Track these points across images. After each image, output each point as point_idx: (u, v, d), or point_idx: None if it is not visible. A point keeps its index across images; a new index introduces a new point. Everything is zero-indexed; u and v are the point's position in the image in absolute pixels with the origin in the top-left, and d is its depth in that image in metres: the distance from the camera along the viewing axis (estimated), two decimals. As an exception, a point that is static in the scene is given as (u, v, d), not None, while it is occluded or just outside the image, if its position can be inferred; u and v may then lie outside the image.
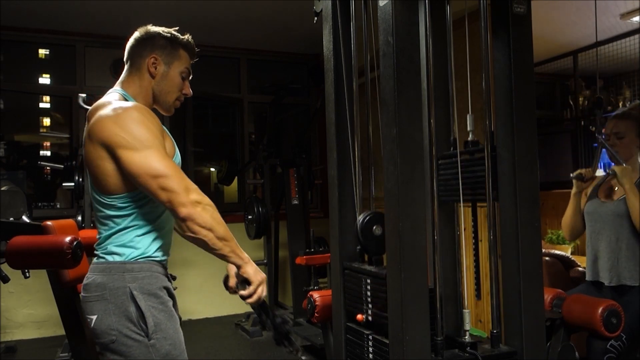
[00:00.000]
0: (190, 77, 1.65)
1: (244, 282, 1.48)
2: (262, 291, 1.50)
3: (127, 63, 1.59)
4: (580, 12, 4.03)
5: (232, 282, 1.60)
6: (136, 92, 1.55)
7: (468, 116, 1.55)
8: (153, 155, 1.39)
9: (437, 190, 1.43)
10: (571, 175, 2.59)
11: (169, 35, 1.58)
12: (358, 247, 1.65)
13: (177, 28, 1.62)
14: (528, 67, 1.48)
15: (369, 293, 1.52)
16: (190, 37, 1.63)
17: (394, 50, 1.30)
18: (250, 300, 1.50)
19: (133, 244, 1.47)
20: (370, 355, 1.52)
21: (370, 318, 1.52)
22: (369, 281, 1.52)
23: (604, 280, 2.38)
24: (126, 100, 1.51)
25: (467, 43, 1.83)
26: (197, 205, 1.38)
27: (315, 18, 1.84)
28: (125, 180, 1.43)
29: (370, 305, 1.52)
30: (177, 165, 1.45)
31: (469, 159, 1.54)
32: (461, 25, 1.69)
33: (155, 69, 1.55)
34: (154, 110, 1.58)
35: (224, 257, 1.46)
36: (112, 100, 1.47)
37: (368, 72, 1.70)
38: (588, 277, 2.48)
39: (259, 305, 1.53)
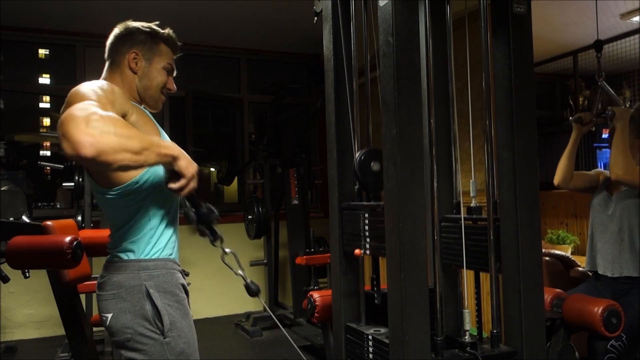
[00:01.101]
0: (175, 73, 1.63)
1: (175, 174, 1.37)
2: (194, 185, 1.39)
3: (107, 61, 1.56)
4: (580, 12, 4.03)
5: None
6: (118, 85, 1.51)
7: (471, 182, 1.56)
8: (74, 106, 1.20)
9: (440, 254, 1.43)
10: (570, 118, 2.59)
11: (148, 29, 1.56)
12: (356, 187, 1.65)
13: (157, 22, 1.59)
14: (528, 67, 1.48)
15: (367, 227, 1.52)
16: (171, 31, 1.60)
17: (394, 50, 1.30)
18: (181, 193, 1.39)
19: (145, 240, 1.47)
20: (370, 355, 1.52)
21: (368, 251, 1.52)
22: (367, 215, 1.53)
23: (606, 272, 2.40)
24: None
25: (467, 43, 1.83)
26: (94, 134, 1.13)
27: (315, 18, 1.84)
28: None
29: (368, 240, 1.52)
30: (92, 105, 1.23)
31: (472, 226, 1.55)
32: (461, 25, 1.69)
33: (137, 64, 1.53)
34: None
35: (155, 164, 1.34)
36: None
37: (368, 72, 1.70)
38: (587, 267, 2.53)
39: (187, 198, 1.47)
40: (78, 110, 1.18)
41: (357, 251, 1.57)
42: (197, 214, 1.49)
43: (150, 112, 1.61)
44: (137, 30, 1.55)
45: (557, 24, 4.37)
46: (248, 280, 1.57)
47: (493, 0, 1.51)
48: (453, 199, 1.70)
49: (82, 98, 1.29)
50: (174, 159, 1.33)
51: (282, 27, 4.78)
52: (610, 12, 4.08)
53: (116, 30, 1.56)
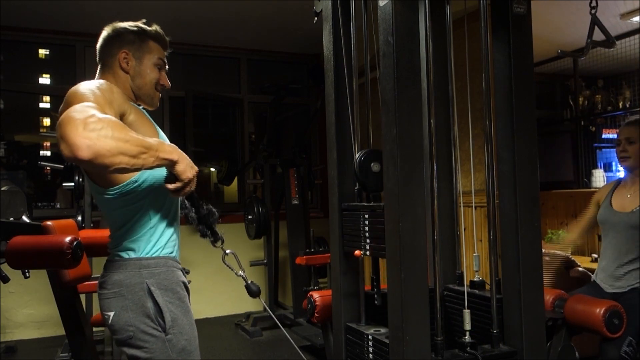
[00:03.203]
0: (167, 68, 1.63)
1: (173, 176, 1.38)
2: (191, 187, 1.42)
3: (99, 64, 1.57)
4: (580, 12, 4.03)
5: None
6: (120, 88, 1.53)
7: (474, 255, 1.57)
8: (72, 108, 1.21)
9: (441, 326, 1.40)
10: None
11: (136, 28, 1.56)
12: (356, 188, 1.65)
13: (144, 20, 1.60)
14: (528, 67, 1.48)
15: (367, 228, 1.52)
16: (158, 27, 1.61)
17: (394, 50, 1.30)
18: (177, 194, 1.41)
19: (145, 239, 1.47)
20: (370, 355, 1.52)
21: (368, 252, 1.52)
22: (367, 216, 1.53)
23: (605, 288, 2.40)
24: None
25: (467, 43, 1.84)
26: (91, 137, 1.15)
27: (315, 18, 1.84)
28: None
29: (368, 241, 1.52)
30: (90, 106, 1.24)
31: (475, 301, 1.56)
32: (461, 25, 1.69)
33: (128, 64, 1.54)
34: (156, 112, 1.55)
35: (154, 168, 1.35)
36: None
37: (368, 72, 1.70)
38: (593, 277, 2.54)
39: (186, 199, 1.48)
40: (76, 112, 1.19)
41: (357, 252, 1.57)
42: (198, 215, 1.50)
43: (149, 111, 1.62)
44: (125, 30, 1.55)
45: (557, 24, 4.37)
46: (249, 281, 1.57)
47: (493, 1, 1.51)
48: (453, 199, 1.70)
49: (80, 99, 1.30)
50: (172, 162, 1.34)
51: (282, 27, 4.77)
52: (610, 12, 4.08)
53: (104, 33, 1.56)
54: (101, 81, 1.46)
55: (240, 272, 1.56)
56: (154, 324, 1.43)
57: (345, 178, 1.70)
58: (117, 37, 1.55)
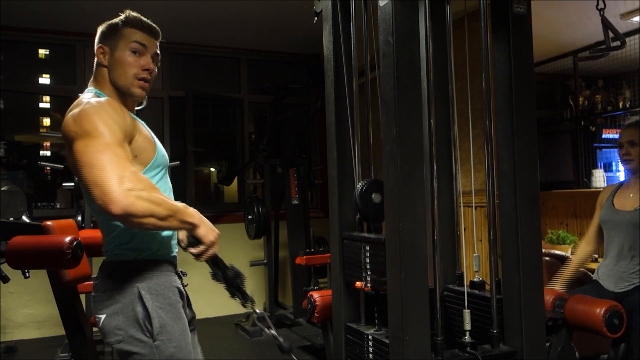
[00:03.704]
0: (151, 51, 1.53)
1: (195, 240, 1.44)
2: (213, 250, 1.45)
3: None
4: (580, 12, 4.03)
5: (182, 235, 1.56)
6: (106, 87, 1.51)
7: (474, 256, 1.57)
8: (95, 144, 1.29)
9: (441, 326, 1.40)
10: None
11: (110, 22, 1.53)
12: (357, 217, 1.65)
13: (126, 10, 1.55)
14: (528, 67, 1.48)
15: (367, 260, 1.52)
16: (131, 12, 1.54)
17: (394, 50, 1.30)
18: (200, 258, 1.46)
19: (137, 243, 1.46)
20: (370, 355, 1.52)
21: (369, 284, 1.52)
22: (367, 248, 1.52)
23: (608, 287, 2.40)
24: (99, 97, 1.46)
25: (467, 43, 1.84)
26: (129, 196, 1.23)
27: (315, 18, 1.84)
28: None
29: (369, 272, 1.51)
30: (120, 156, 1.31)
31: (475, 301, 1.56)
32: (461, 25, 1.69)
33: (104, 57, 1.50)
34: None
35: (176, 230, 1.43)
36: (83, 99, 1.43)
37: (368, 72, 1.70)
38: (594, 276, 2.53)
39: (211, 260, 1.51)
40: (107, 161, 1.26)
41: (357, 284, 1.56)
42: (225, 277, 1.52)
43: (146, 113, 1.60)
44: (102, 27, 1.54)
45: (557, 24, 4.36)
46: (280, 340, 1.57)
47: (493, 1, 1.51)
48: (453, 199, 1.70)
49: (97, 133, 1.32)
50: (195, 226, 1.40)
51: (282, 27, 4.77)
52: (610, 12, 4.07)
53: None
54: (105, 101, 1.42)
55: (272, 331, 1.57)
56: (143, 330, 1.41)
57: (345, 178, 1.70)
58: (97, 36, 1.54)
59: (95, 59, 1.53)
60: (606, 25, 2.25)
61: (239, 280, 1.53)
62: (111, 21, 1.54)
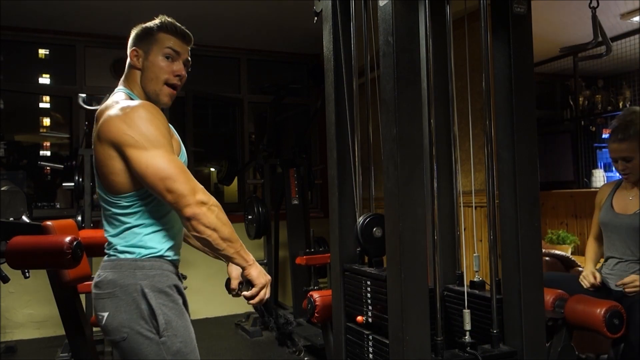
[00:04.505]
0: (183, 57, 1.57)
1: (248, 283, 1.49)
2: (265, 294, 1.50)
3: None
4: (580, 12, 4.03)
5: (234, 284, 1.61)
6: (136, 89, 1.55)
7: (474, 256, 1.56)
8: (161, 155, 1.38)
9: (441, 326, 1.40)
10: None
11: (145, 25, 1.56)
12: (358, 249, 1.65)
13: (162, 17, 1.58)
14: (528, 67, 1.48)
15: (369, 295, 1.52)
16: (166, 18, 1.58)
17: (394, 50, 1.30)
18: (252, 302, 1.50)
19: (142, 243, 1.47)
20: (370, 355, 1.52)
21: (370, 320, 1.52)
22: (369, 283, 1.52)
23: (610, 284, 2.39)
24: (132, 98, 1.51)
25: (467, 43, 1.83)
26: (202, 206, 1.37)
27: (315, 18, 1.84)
28: (132, 179, 1.43)
29: (370, 307, 1.52)
30: (184, 166, 1.43)
31: (475, 301, 1.56)
32: (461, 25, 1.69)
33: (138, 60, 1.53)
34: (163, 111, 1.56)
35: (228, 258, 1.46)
36: (119, 99, 1.47)
37: (368, 72, 1.70)
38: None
39: (262, 306, 1.54)
40: (173, 170, 1.37)
41: (359, 318, 1.56)
42: (277, 326, 1.57)
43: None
44: (137, 29, 1.57)
45: (557, 24, 4.37)
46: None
47: (493, 0, 1.51)
48: (453, 199, 1.70)
49: (157, 141, 1.40)
50: (248, 265, 1.46)
51: (282, 27, 4.77)
52: (610, 12, 4.08)
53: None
54: (154, 110, 1.46)
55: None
56: (149, 326, 1.42)
57: (345, 178, 1.70)
58: (131, 38, 1.57)
59: (128, 60, 1.56)
60: (597, 25, 2.25)
61: (289, 328, 1.60)
62: (146, 24, 1.56)
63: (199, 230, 1.37)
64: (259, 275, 1.48)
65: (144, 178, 1.38)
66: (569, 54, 5.11)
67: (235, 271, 1.62)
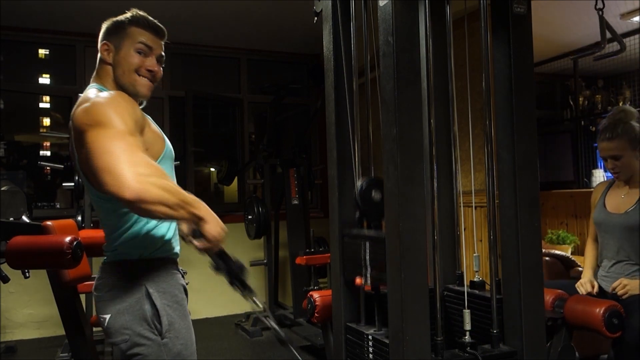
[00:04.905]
0: (156, 52, 1.53)
1: (200, 234, 1.39)
2: (217, 247, 1.41)
3: None
4: (580, 12, 4.03)
5: (185, 227, 1.47)
6: (108, 83, 1.50)
7: (474, 256, 1.56)
8: (108, 133, 1.25)
9: (441, 326, 1.40)
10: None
11: (117, 19, 1.52)
12: (357, 215, 1.64)
13: (134, 10, 1.54)
14: (528, 67, 1.48)
15: (367, 257, 1.52)
16: (138, 11, 1.53)
17: (394, 50, 1.30)
18: (202, 252, 1.42)
19: (141, 242, 1.46)
20: (370, 355, 1.52)
21: (369, 281, 1.52)
22: (367, 245, 1.52)
23: (606, 287, 2.39)
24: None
25: (467, 43, 1.83)
26: (142, 181, 1.19)
27: (315, 18, 1.84)
28: None
29: (369, 269, 1.51)
30: (132, 144, 1.27)
31: (475, 301, 1.57)
32: (461, 25, 1.70)
33: (108, 54, 1.50)
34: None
35: (184, 221, 1.38)
36: (90, 94, 1.42)
37: (368, 72, 1.70)
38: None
39: (215, 254, 1.49)
40: (119, 148, 1.22)
41: (357, 280, 1.56)
42: (229, 270, 1.49)
43: (148, 112, 1.60)
44: (108, 22, 1.53)
45: (557, 24, 4.37)
46: (281, 333, 1.63)
47: (493, 0, 1.51)
48: (453, 199, 1.70)
49: (110, 123, 1.28)
50: (203, 221, 1.34)
51: (282, 27, 4.77)
52: (610, 12, 4.08)
53: None
54: (116, 94, 1.41)
55: (273, 324, 1.64)
56: (151, 327, 1.41)
57: (345, 178, 1.70)
58: (102, 31, 1.53)
59: (99, 55, 1.52)
60: (605, 27, 2.24)
61: (240, 272, 1.51)
62: (117, 18, 1.53)
63: (147, 210, 1.23)
64: (214, 230, 1.37)
65: (89, 158, 1.25)
66: (568, 54, 5.11)
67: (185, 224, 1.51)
